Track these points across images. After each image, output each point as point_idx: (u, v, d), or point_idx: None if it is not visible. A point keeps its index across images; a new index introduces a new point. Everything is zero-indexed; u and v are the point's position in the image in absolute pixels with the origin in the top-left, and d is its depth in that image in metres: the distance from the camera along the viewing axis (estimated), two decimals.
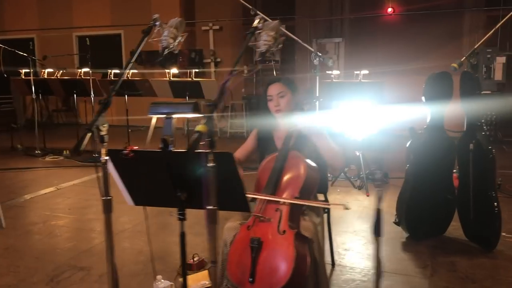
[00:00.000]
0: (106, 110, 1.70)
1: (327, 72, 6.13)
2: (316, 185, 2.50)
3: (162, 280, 2.76)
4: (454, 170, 3.61)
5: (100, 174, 1.76)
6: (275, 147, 2.65)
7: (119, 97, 7.17)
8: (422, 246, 3.51)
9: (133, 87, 6.74)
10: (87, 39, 6.94)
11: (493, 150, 3.24)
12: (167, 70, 6.67)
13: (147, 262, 3.33)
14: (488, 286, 2.87)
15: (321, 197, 2.98)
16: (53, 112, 11.03)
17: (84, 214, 4.50)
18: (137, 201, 1.88)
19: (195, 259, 3.20)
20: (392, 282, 2.95)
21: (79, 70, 7.34)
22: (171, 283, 2.87)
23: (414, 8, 8.21)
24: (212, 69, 9.60)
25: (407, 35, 8.33)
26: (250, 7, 5.86)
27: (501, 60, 7.78)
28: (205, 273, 3.08)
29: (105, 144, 1.66)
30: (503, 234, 3.54)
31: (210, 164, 1.50)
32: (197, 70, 6.67)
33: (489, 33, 5.04)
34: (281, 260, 2.21)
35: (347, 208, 2.08)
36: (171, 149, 1.62)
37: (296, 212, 2.41)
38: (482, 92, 3.30)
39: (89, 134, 1.60)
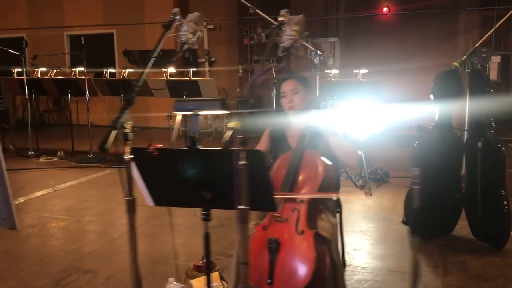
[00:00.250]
0: (130, 107, 1.64)
1: (325, 71, 6.09)
2: (333, 183, 2.47)
3: (174, 283, 2.70)
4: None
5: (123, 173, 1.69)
6: (288, 146, 2.60)
7: (114, 96, 7.08)
8: (431, 245, 3.49)
9: (128, 86, 6.64)
10: (82, 38, 6.81)
11: (503, 148, 3.24)
12: (164, 70, 6.58)
13: (154, 264, 3.26)
14: (501, 285, 2.86)
15: None
16: (44, 112, 10.85)
17: (84, 215, 4.41)
18: (158, 201, 1.82)
19: (204, 260, 3.13)
20: (407, 282, 2.92)
21: (73, 70, 7.22)
22: (183, 285, 2.81)
23: (409, 7, 8.24)
24: (207, 69, 9.53)
25: (402, 34, 8.36)
26: (250, 5, 5.82)
27: (496, 59, 7.84)
28: (215, 275, 3.02)
29: (129, 142, 1.59)
30: None
31: (242, 162, 1.44)
32: (194, 69, 6.59)
33: (490, 31, 5.06)
34: (300, 261, 2.16)
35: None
36: (199, 147, 1.56)
37: (313, 212, 2.36)
38: (491, 90, 3.29)
39: (114, 132, 1.54)
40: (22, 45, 7.20)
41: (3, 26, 10.93)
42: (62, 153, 7.06)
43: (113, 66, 10.06)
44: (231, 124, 1.37)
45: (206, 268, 1.80)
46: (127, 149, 1.58)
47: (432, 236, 3.59)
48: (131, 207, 1.62)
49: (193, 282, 2.86)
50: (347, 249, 3.43)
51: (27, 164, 6.66)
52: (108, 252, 3.48)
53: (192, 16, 1.98)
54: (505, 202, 3.26)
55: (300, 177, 2.39)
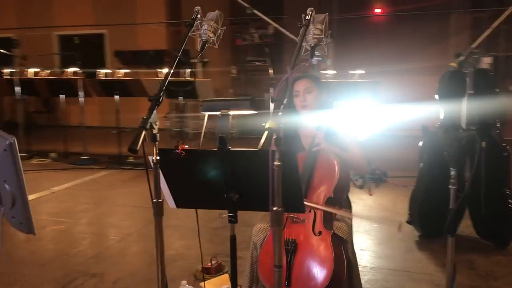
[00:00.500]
0: (158, 106, 1.61)
1: (321, 72, 6.10)
2: (348, 183, 2.47)
3: (187, 286, 2.66)
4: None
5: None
6: (301, 145, 2.59)
7: (108, 97, 6.98)
8: (436, 244, 3.51)
9: (124, 87, 6.56)
10: (74, 38, 6.71)
11: (508, 148, 3.28)
12: (158, 70, 6.53)
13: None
14: (510, 283, 2.89)
15: None
16: (33, 113, 10.66)
17: (83, 218, 4.34)
18: (181, 204, 1.79)
19: (212, 262, 3.11)
20: (417, 282, 2.93)
21: (65, 70, 7.11)
22: None
23: (401, 9, 8.30)
24: (200, 69, 9.46)
25: (395, 36, 8.41)
26: (247, 5, 5.81)
27: (487, 60, 7.92)
28: (225, 277, 2.99)
29: (157, 143, 1.56)
30: None
31: (277, 163, 1.42)
32: (192, 70, 6.52)
33: (487, 32, 5.13)
34: (319, 263, 2.15)
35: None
36: (229, 147, 1.53)
37: (329, 212, 2.35)
38: (497, 90, 3.32)
39: (144, 132, 1.50)
40: (11, 45, 7.06)
41: None
42: (55, 154, 6.95)
43: (104, 67, 9.94)
44: (268, 124, 1.35)
45: (231, 271, 1.76)
46: (155, 150, 1.55)
47: (437, 235, 3.61)
48: (159, 210, 1.59)
49: (205, 284, 2.83)
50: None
51: None
52: (113, 255, 3.42)
53: (212, 14, 1.95)
54: (509, 201, 3.29)
55: (316, 178, 2.37)
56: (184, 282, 2.68)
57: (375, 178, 5.35)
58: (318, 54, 5.64)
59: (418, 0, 8.08)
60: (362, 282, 2.93)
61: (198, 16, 1.90)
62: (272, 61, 9.37)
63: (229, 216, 1.68)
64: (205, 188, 1.67)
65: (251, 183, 1.58)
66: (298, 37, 1.87)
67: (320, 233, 2.23)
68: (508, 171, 3.30)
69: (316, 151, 2.41)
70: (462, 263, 3.19)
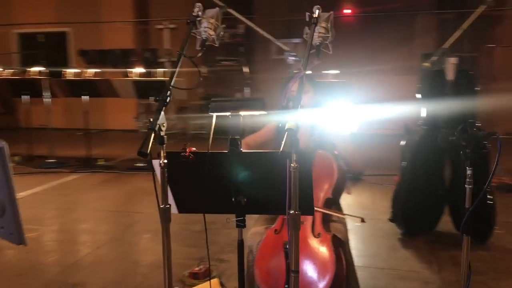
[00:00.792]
0: (166, 107, 1.52)
1: (294, 71, 6.09)
2: (345, 183, 2.45)
3: None
4: None
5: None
6: None
7: (76, 97, 6.72)
8: (419, 242, 3.56)
9: (93, 87, 6.33)
10: (39, 35, 6.42)
11: (488, 145, 3.35)
12: (129, 70, 6.34)
13: (146, 273, 3.11)
14: (494, 277, 2.96)
15: None
16: None
17: (56, 224, 4.14)
18: (183, 209, 1.71)
19: (200, 267, 3.02)
20: (407, 281, 2.95)
21: (28, 70, 6.80)
22: None
23: (369, 10, 8.44)
24: (168, 69, 9.28)
25: (363, 36, 8.53)
26: (222, 4, 5.72)
27: (452, 61, 8.15)
28: (215, 281, 2.92)
29: (164, 145, 1.48)
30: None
31: (294, 165, 1.37)
32: (166, 70, 6.38)
33: (457, 32, 5.26)
34: (320, 265, 2.11)
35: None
36: (241, 150, 1.47)
37: (327, 214, 2.33)
38: (477, 89, 3.40)
39: (153, 134, 1.42)
40: None
41: None
42: (18, 158, 6.62)
43: (68, 66, 9.58)
44: (288, 125, 1.30)
45: (239, 277, 1.70)
46: (162, 153, 1.46)
47: (419, 232, 3.67)
48: (166, 216, 1.50)
49: None
50: None
51: None
52: (92, 263, 3.27)
53: (211, 12, 1.88)
54: (489, 197, 3.38)
55: (314, 178, 2.34)
56: None
57: (352, 176, 5.39)
58: (293, 54, 5.65)
59: (386, 1, 8.24)
60: None
61: (200, 13, 1.82)
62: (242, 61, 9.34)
63: (237, 220, 1.61)
64: (211, 191, 1.60)
65: (262, 186, 1.52)
66: (307, 36, 1.83)
67: (319, 234, 2.20)
68: (488, 168, 3.38)
69: (313, 151, 2.38)
70: (446, 259, 3.25)
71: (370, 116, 6.84)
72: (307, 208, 1.61)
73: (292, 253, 1.46)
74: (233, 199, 1.60)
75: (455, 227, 3.69)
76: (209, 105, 1.54)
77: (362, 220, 1.96)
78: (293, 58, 5.39)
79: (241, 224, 1.63)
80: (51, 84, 6.38)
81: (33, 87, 6.47)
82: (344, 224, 2.43)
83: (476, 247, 3.45)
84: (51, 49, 9.84)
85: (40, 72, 6.59)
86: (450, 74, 8.90)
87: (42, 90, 6.37)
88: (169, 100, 1.55)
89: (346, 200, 4.68)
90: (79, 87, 6.31)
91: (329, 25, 1.80)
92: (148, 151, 1.37)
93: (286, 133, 1.30)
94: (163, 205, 1.51)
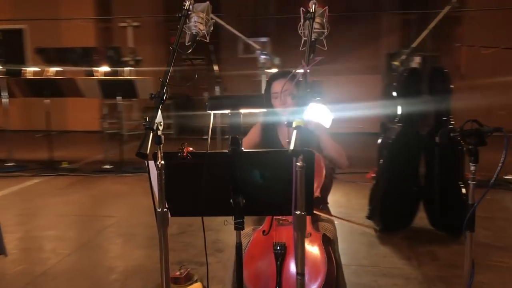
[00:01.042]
0: (163, 104, 1.43)
1: (265, 70, 6.05)
2: (332, 182, 2.42)
3: None
4: None
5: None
6: (279, 144, 2.50)
7: (36, 97, 6.42)
8: (397, 238, 3.60)
9: (55, 87, 6.05)
10: None
11: (462, 142, 3.43)
12: (94, 69, 6.11)
13: (123, 279, 2.97)
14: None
15: None
16: None
17: (20, 231, 3.90)
18: (176, 212, 1.62)
19: (181, 271, 2.92)
20: (389, 277, 2.96)
21: None
22: None
23: (335, 9, 8.51)
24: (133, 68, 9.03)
25: (329, 36, 8.60)
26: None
27: (416, 60, 8.35)
28: (197, 285, 2.83)
29: (161, 145, 1.39)
30: None
31: (300, 164, 1.32)
32: (132, 68, 6.19)
33: (425, 32, 5.37)
34: (311, 266, 2.07)
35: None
36: (242, 149, 1.40)
37: (316, 213, 2.30)
38: (452, 86, 3.47)
39: (151, 134, 1.33)
40: None
41: None
42: None
43: (24, 65, 9.15)
44: (297, 122, 1.25)
45: (237, 283, 1.63)
46: (159, 154, 1.37)
47: (396, 229, 3.70)
48: (164, 221, 1.42)
49: None
50: None
51: None
52: (65, 271, 3.10)
53: (201, 6, 1.79)
54: (464, 192, 3.46)
55: None
56: None
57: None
58: (265, 52, 5.60)
59: (352, 1, 8.35)
60: None
61: (191, 7, 1.73)
62: (209, 59, 9.21)
63: (235, 222, 1.54)
64: (208, 193, 1.52)
65: (264, 186, 1.46)
66: (301, 32, 1.78)
67: (309, 234, 2.16)
68: (462, 164, 3.46)
69: (299, 150, 2.34)
70: (424, 254, 3.29)
71: (338, 114, 6.89)
72: (307, 208, 1.56)
73: (298, 255, 1.41)
74: (231, 201, 1.53)
75: (430, 223, 3.76)
76: (206, 103, 1.46)
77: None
78: (265, 56, 5.34)
79: (239, 227, 1.56)
80: (9, 84, 6.06)
81: None
82: (332, 223, 2.40)
83: (451, 241, 3.52)
84: (6, 47, 9.37)
85: None
86: None
87: (0, 90, 6.04)
88: (166, 98, 1.45)
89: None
90: (40, 86, 6.03)
91: (324, 20, 1.76)
92: (148, 152, 1.28)
93: (295, 131, 1.25)
94: (160, 209, 1.41)
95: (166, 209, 1.42)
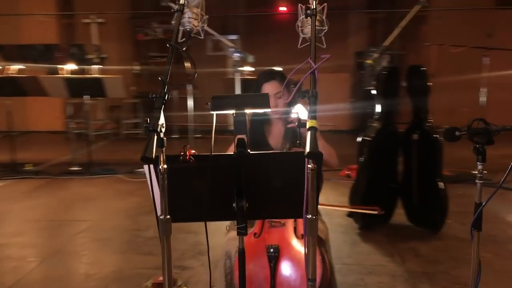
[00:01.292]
0: (165, 105, 1.34)
1: (239, 68, 5.99)
2: (323, 182, 2.39)
3: None
4: None
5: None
6: (268, 144, 2.45)
7: None
8: (378, 235, 3.62)
9: (17, 85, 5.75)
10: None
11: (440, 139, 3.49)
12: (59, 66, 5.87)
13: (103, 287, 2.84)
14: (453, 266, 3.06)
15: None
16: None
17: None
18: (176, 218, 1.53)
19: (160, 278, 2.81)
20: (375, 275, 2.96)
21: None
22: None
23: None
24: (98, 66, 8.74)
25: (296, 34, 8.61)
26: None
27: (385, 58, 8.49)
28: None
29: (163, 149, 1.30)
30: None
31: (312, 166, 1.27)
32: (100, 67, 5.97)
33: (396, 31, 5.45)
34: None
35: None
36: (248, 151, 1.34)
37: None
38: (430, 84, 3.52)
39: (155, 136, 1.24)
40: None
41: None
42: None
43: None
44: (310, 123, 1.19)
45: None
46: (162, 157, 1.29)
47: (376, 226, 3.73)
48: (167, 228, 1.33)
49: None
50: None
51: None
52: (39, 281, 2.93)
53: (195, 1, 1.71)
54: (442, 189, 3.52)
55: None
56: None
57: None
58: (238, 50, 5.53)
59: None
60: None
61: (186, 1, 1.64)
62: (177, 57, 9.05)
63: (238, 227, 1.48)
64: (211, 197, 1.45)
65: (270, 189, 1.41)
66: (300, 29, 1.73)
67: (302, 236, 2.12)
68: (440, 161, 3.52)
69: (289, 148, 2.29)
70: (406, 251, 3.33)
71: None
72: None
73: (309, 261, 1.36)
74: (234, 205, 1.46)
75: (408, 219, 3.81)
76: (208, 103, 1.38)
77: (379, 212, 1.91)
78: (238, 54, 5.27)
79: (242, 232, 1.49)
80: None
81: None
82: (324, 222, 2.38)
83: (430, 236, 3.58)
84: None
85: None
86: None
87: None
88: (168, 98, 1.37)
89: None
90: (1, 85, 5.72)
91: (323, 17, 1.72)
92: (154, 156, 1.19)
93: (309, 131, 1.19)
94: (163, 216, 1.33)
95: (168, 217, 1.33)
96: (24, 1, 8.93)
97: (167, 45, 1.56)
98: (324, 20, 1.72)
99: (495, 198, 4.12)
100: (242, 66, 5.71)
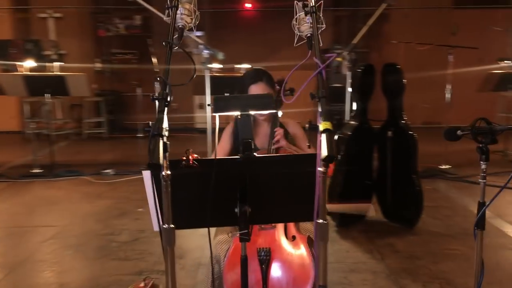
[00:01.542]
0: (167, 107, 1.26)
1: (208, 65, 5.87)
2: None
3: None
4: None
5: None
6: (255, 145, 2.39)
7: None
8: (355, 232, 3.65)
9: None
10: None
11: (415, 135, 3.55)
12: (18, 63, 5.57)
13: None
14: (432, 261, 3.12)
15: None
16: None
17: None
18: (178, 225, 1.46)
19: (145, 281, 2.71)
20: (357, 273, 2.97)
21: None
22: None
23: (269, 5, 8.51)
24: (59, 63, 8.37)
25: (264, 31, 8.59)
26: None
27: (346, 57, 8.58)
28: None
29: (167, 154, 1.22)
30: None
31: (323, 169, 1.23)
32: (62, 64, 5.71)
33: (364, 28, 5.52)
34: (299, 270, 2.00)
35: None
36: (255, 154, 1.28)
37: None
38: (404, 82, 3.56)
39: (161, 141, 1.15)
40: None
41: None
42: None
43: None
44: (324, 125, 1.15)
45: None
46: (165, 162, 1.21)
47: (352, 223, 3.76)
48: (170, 238, 1.25)
49: None
50: None
51: None
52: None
53: None
54: (417, 184, 3.58)
55: None
56: None
57: None
58: (208, 47, 5.42)
59: None
60: None
61: None
62: (141, 53, 8.80)
63: (240, 233, 1.42)
64: (212, 203, 1.38)
65: (276, 194, 1.35)
66: (298, 28, 1.68)
67: (294, 237, 2.09)
68: (415, 157, 3.58)
69: (276, 148, 2.25)
70: (384, 247, 3.37)
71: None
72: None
73: (321, 266, 1.32)
74: (236, 210, 1.40)
75: (383, 215, 3.87)
76: (211, 104, 1.31)
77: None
78: (208, 51, 5.16)
79: (245, 238, 1.44)
80: None
81: None
82: (311, 222, 2.34)
83: (406, 232, 3.64)
84: None
85: None
86: (344, 69, 9.32)
87: None
88: (171, 99, 1.28)
89: None
90: None
91: (320, 15, 1.67)
92: (161, 162, 1.11)
93: (325, 134, 1.15)
94: (166, 225, 1.25)
95: (172, 226, 1.26)
96: None
97: (163, 43, 1.47)
98: (321, 17, 1.67)
99: (464, 192, 4.24)
100: (211, 63, 5.60)
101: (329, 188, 3.80)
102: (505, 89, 5.93)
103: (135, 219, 4.00)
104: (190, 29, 1.67)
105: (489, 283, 2.62)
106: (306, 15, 1.60)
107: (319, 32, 1.68)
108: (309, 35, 1.65)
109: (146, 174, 1.30)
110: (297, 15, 1.69)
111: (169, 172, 1.22)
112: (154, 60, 5.84)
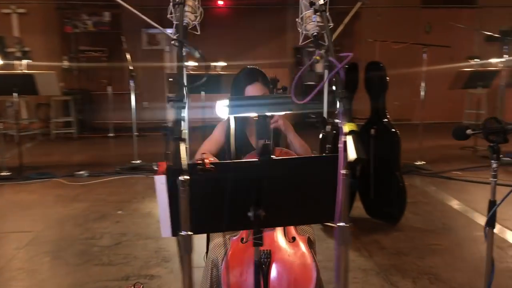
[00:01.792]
0: (184, 109, 1.19)
1: (184, 63, 5.75)
2: None
3: None
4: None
5: None
6: (250, 144, 2.35)
7: None
8: None
9: None
10: None
11: (398, 133, 3.59)
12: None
13: None
14: (419, 256, 3.17)
15: None
16: None
17: None
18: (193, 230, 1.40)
19: (135, 287, 2.62)
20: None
21: None
22: None
23: (242, 2, 8.46)
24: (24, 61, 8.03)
25: (237, 29, 8.53)
26: None
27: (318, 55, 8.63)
28: None
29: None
30: None
31: (345, 172, 1.21)
32: (31, 62, 5.46)
33: (341, 27, 5.55)
34: (300, 272, 1.98)
35: None
36: (273, 157, 1.24)
37: None
38: (387, 80, 3.59)
39: (183, 145, 1.09)
40: None
41: None
42: None
43: None
44: (349, 126, 1.12)
45: None
46: (184, 165, 1.14)
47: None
48: (188, 245, 1.19)
49: None
50: None
51: None
52: None
53: None
54: (400, 181, 3.63)
55: None
56: None
57: None
58: (185, 44, 5.32)
59: None
60: None
61: None
62: (110, 51, 8.56)
63: (254, 238, 1.38)
64: (224, 208, 1.33)
65: (295, 196, 1.32)
66: (305, 25, 1.65)
67: (293, 239, 2.06)
68: (398, 155, 3.63)
69: (271, 149, 2.21)
70: (371, 244, 3.39)
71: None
72: (328, 215, 1.45)
73: (341, 272, 1.29)
74: (250, 214, 1.36)
75: (366, 212, 3.90)
76: (224, 105, 1.26)
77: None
78: (185, 49, 5.05)
79: (259, 242, 1.39)
80: None
81: None
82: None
83: (390, 228, 3.69)
84: None
85: None
86: (318, 67, 9.36)
87: None
88: (186, 100, 1.22)
89: None
90: None
91: (327, 13, 1.64)
92: (184, 167, 1.05)
93: (352, 136, 1.12)
94: (184, 232, 1.19)
95: (190, 233, 1.20)
96: None
97: (172, 42, 1.41)
98: (328, 16, 1.64)
99: (440, 187, 4.31)
100: (187, 61, 5.51)
101: None
102: (475, 87, 6.11)
103: (115, 222, 3.88)
104: (194, 27, 1.60)
105: (472, 279, 2.68)
106: (315, 13, 1.55)
107: (325, 31, 1.66)
108: (315, 33, 1.61)
109: (160, 179, 1.23)
110: (303, 13, 1.65)
111: (188, 177, 1.16)
112: (128, 56, 5.69)
